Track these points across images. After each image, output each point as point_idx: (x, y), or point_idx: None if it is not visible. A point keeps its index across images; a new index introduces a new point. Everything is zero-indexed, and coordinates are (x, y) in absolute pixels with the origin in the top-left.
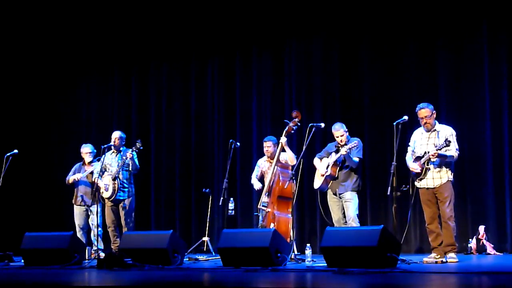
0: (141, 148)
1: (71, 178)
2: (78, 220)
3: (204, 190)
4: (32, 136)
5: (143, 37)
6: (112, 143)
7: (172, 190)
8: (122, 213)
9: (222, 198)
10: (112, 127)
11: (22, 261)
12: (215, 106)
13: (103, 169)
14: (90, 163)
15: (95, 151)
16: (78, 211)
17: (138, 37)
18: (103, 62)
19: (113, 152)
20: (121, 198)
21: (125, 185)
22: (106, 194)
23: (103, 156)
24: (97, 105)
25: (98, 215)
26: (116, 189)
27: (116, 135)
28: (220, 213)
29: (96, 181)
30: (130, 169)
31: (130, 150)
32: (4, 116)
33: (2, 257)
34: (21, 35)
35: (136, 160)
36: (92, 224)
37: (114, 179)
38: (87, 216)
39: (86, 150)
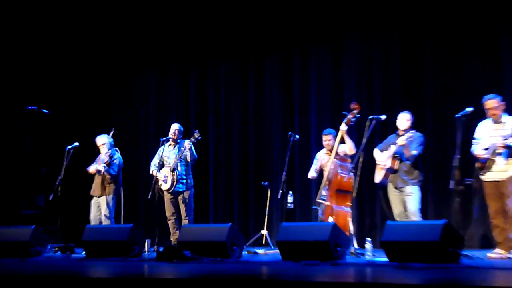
0: (200, 138)
1: (91, 168)
2: (92, 212)
3: (262, 183)
4: (92, 128)
5: (201, 34)
6: (171, 135)
7: (231, 183)
8: (181, 205)
9: (280, 191)
10: (171, 121)
11: (84, 252)
12: (273, 100)
13: (161, 161)
14: (106, 154)
15: (111, 141)
16: (93, 202)
17: (197, 35)
18: (161, 60)
19: (170, 144)
20: (180, 190)
21: (184, 176)
22: (165, 186)
23: (162, 147)
24: (155, 100)
25: (108, 207)
26: (175, 180)
27: (175, 126)
28: (278, 206)
29: (154, 174)
30: (188, 159)
31: (188, 140)
32: (65, 110)
33: (64, 249)
34: (80, 32)
35: (193, 150)
36: (103, 216)
37: (172, 171)
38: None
39: (99, 142)
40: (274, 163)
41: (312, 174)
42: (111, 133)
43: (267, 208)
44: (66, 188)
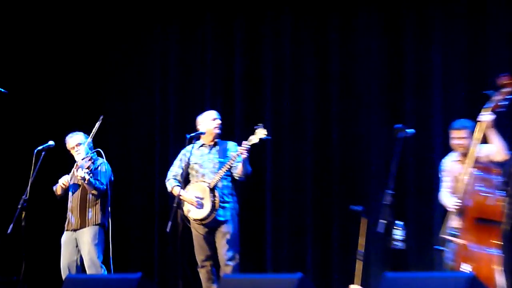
0: (268, 138)
1: (58, 187)
2: (64, 254)
3: (353, 207)
4: (75, 119)
5: None
6: (204, 129)
7: (301, 207)
8: (221, 243)
9: (383, 221)
10: (202, 106)
11: None
12: (371, 72)
13: (184, 172)
14: (84, 159)
15: (86, 140)
16: (65, 240)
17: None
18: (187, 9)
19: (203, 145)
20: (221, 219)
21: (227, 198)
22: (197, 214)
23: (189, 149)
24: (178, 74)
25: (95, 246)
26: (217, 205)
27: (214, 115)
28: (379, 245)
29: (175, 192)
30: (238, 173)
31: (247, 142)
32: (34, 89)
33: None
34: None
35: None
36: (86, 260)
37: (212, 190)
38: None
39: (72, 142)
40: (372, 174)
41: (449, 201)
42: (96, 125)
43: (361, 248)
44: (34, 215)
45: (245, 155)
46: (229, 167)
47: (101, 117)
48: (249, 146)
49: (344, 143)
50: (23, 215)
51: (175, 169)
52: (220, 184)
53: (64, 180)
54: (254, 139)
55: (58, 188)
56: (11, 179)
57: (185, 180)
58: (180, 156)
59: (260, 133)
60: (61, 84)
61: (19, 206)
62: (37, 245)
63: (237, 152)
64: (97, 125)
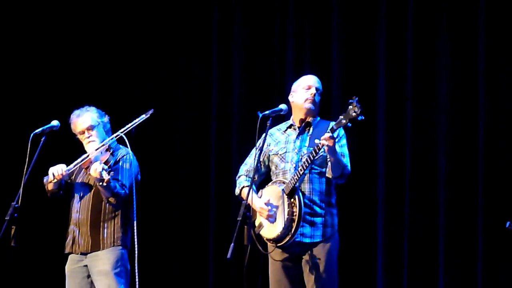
0: (360, 118)
1: (49, 184)
2: None
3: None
4: (90, 91)
5: None
6: (289, 103)
7: (428, 221)
8: (309, 278)
9: None
10: (282, 74)
11: None
12: None
13: (262, 167)
14: (100, 149)
15: (103, 120)
16: (70, 268)
17: None
18: None
19: (290, 126)
20: (307, 240)
21: (317, 208)
22: (269, 232)
23: (273, 132)
24: (244, 29)
25: (115, 276)
26: (296, 218)
27: (310, 82)
28: None
29: (244, 195)
30: (330, 172)
31: (334, 125)
32: (33, 51)
33: None
34: None
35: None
36: None
37: (291, 194)
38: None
39: (81, 123)
40: None
41: None
42: (138, 119)
43: None
44: (30, 229)
45: (327, 145)
46: (308, 163)
47: (151, 112)
48: (336, 130)
49: (495, 125)
50: (12, 232)
51: (250, 161)
52: (306, 187)
53: (57, 170)
54: (343, 119)
55: (49, 181)
56: None
57: (266, 178)
58: (258, 146)
59: (352, 111)
60: (75, 43)
61: (7, 218)
62: (33, 274)
63: (320, 141)
64: (139, 118)
